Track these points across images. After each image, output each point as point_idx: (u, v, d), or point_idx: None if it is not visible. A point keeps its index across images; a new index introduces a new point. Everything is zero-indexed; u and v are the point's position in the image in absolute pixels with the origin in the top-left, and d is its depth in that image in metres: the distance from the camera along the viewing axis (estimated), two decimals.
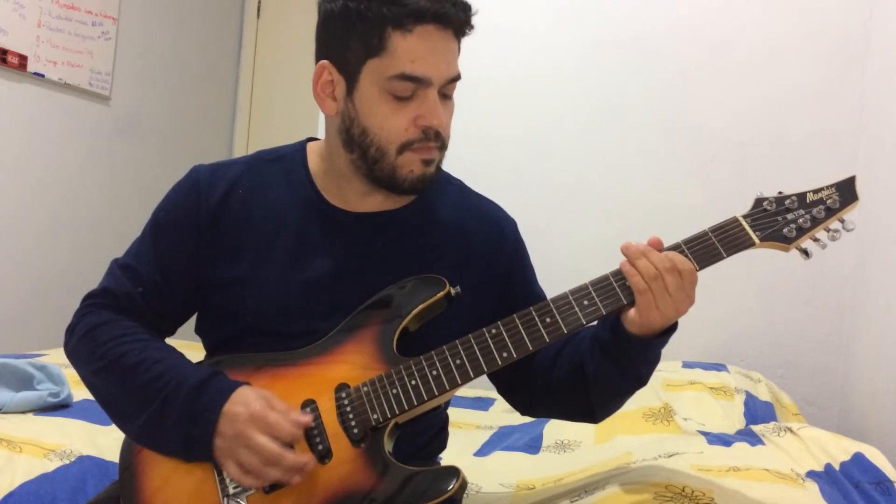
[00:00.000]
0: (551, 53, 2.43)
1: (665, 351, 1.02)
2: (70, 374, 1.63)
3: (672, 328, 0.99)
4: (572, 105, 2.41)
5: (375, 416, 0.96)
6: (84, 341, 1.02)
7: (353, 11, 0.95)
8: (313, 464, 0.93)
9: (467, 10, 0.98)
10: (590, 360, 1.04)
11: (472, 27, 1.00)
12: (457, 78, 1.00)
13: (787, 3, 2.23)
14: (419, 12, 0.93)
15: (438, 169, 1.04)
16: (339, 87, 1.00)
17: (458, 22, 0.97)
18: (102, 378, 1.01)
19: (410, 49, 0.94)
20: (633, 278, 0.95)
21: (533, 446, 1.66)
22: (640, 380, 1.05)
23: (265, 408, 0.92)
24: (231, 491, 0.94)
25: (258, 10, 4.03)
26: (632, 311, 0.96)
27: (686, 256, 0.96)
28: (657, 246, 0.97)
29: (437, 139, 0.99)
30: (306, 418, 0.94)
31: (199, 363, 1.04)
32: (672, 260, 0.94)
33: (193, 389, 0.95)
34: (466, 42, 1.01)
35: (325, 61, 1.01)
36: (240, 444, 0.91)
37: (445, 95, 1.01)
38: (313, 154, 1.11)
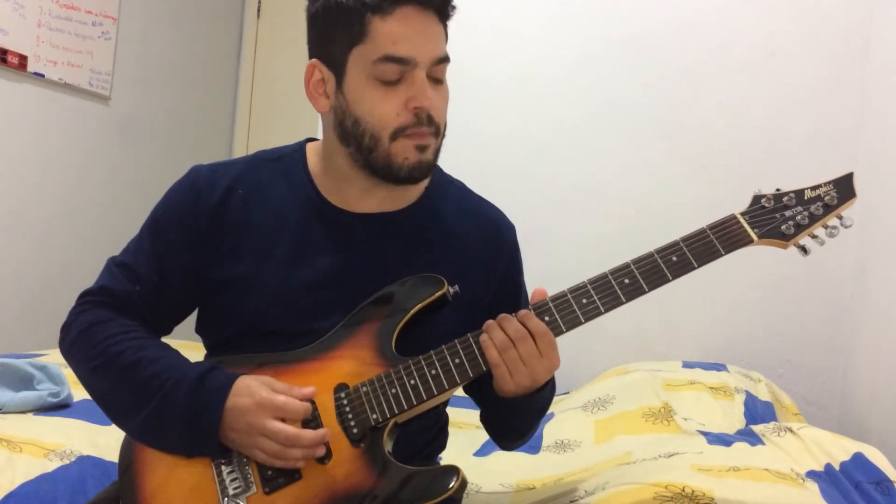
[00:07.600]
0: (551, 53, 2.42)
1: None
2: (70, 374, 1.62)
3: (548, 382, 1.01)
4: (572, 105, 2.40)
5: (374, 416, 0.96)
6: (81, 339, 1.02)
7: (332, 4, 0.97)
8: (330, 434, 0.95)
9: None
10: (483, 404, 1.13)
11: (454, 8, 1.00)
12: (445, 59, 1.00)
13: (787, 3, 2.23)
14: None
15: (436, 157, 1.03)
16: (329, 83, 1.01)
17: (436, 2, 0.97)
18: (100, 376, 1.01)
19: (391, 31, 0.95)
20: (488, 351, 0.96)
21: (533, 446, 1.66)
22: (523, 432, 1.12)
23: (270, 393, 0.93)
24: (231, 491, 0.94)
25: (258, 10, 4.03)
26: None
27: (545, 319, 0.96)
28: (536, 298, 0.98)
29: (430, 124, 0.98)
30: (309, 390, 0.95)
31: (199, 363, 1.04)
32: (527, 326, 0.95)
33: (193, 385, 0.95)
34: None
35: (314, 60, 1.02)
36: (256, 434, 0.92)
37: (436, 79, 1.00)
38: (313, 154, 1.11)
